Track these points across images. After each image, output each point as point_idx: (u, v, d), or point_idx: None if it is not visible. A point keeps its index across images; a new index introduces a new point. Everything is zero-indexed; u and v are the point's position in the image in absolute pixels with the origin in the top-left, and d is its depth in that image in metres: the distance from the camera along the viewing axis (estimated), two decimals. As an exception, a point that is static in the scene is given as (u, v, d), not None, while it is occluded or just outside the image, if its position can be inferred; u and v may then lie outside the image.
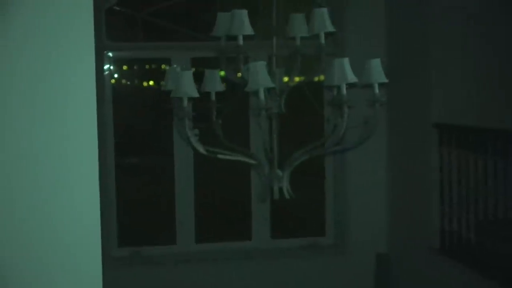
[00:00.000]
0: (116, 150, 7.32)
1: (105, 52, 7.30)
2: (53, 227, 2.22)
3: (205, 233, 7.66)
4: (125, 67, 7.59)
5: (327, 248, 7.80)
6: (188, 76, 3.89)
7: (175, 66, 6.74)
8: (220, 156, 4.10)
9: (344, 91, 3.81)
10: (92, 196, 2.23)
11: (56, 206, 2.20)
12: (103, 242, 2.29)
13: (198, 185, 7.57)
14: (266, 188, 4.09)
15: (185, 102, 3.87)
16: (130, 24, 7.40)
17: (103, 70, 7.29)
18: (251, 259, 7.63)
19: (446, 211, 6.44)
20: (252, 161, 4.24)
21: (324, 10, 4.01)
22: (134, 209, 7.59)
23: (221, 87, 3.98)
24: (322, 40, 4.03)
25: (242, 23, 3.99)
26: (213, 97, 3.93)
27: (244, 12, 3.99)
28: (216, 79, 3.97)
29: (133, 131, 7.65)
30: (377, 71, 3.94)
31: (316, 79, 6.47)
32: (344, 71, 3.82)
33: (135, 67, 7.66)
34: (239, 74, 4.26)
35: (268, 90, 3.87)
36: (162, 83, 4.36)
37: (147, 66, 7.71)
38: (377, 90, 3.92)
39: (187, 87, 3.86)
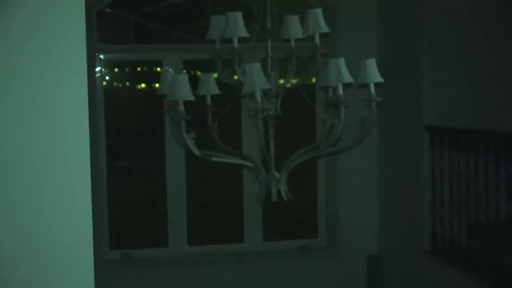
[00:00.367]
0: (108, 152, 7.30)
1: (97, 54, 7.27)
2: (44, 230, 2.20)
3: (197, 235, 7.66)
4: (116, 70, 7.58)
5: (319, 250, 7.79)
6: (183, 80, 3.88)
7: (169, 69, 6.75)
8: (214, 159, 4.09)
9: (341, 91, 3.79)
10: (84, 199, 2.22)
11: (47, 209, 2.18)
12: (94, 244, 2.24)
13: (190, 187, 7.56)
14: (263, 190, 4.06)
15: (181, 106, 3.85)
16: (121, 26, 7.38)
17: (94, 72, 7.24)
18: (243, 262, 7.61)
19: (437, 213, 6.45)
20: (249, 164, 4.23)
21: (319, 11, 4.02)
22: (126, 211, 7.61)
23: (216, 90, 3.96)
24: (317, 41, 4.03)
25: (236, 25, 3.98)
26: (209, 100, 3.91)
27: (239, 15, 3.99)
28: (211, 82, 3.96)
29: (125, 133, 7.64)
30: (372, 71, 3.95)
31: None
32: (340, 71, 3.81)
33: (126, 70, 7.64)
34: (235, 77, 4.24)
35: (264, 92, 3.85)
36: (157, 86, 4.35)
37: (138, 69, 7.68)
38: (373, 90, 3.90)
39: (183, 91, 3.86)
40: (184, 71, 6.87)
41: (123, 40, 7.41)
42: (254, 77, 3.73)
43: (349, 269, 7.64)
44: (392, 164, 7.35)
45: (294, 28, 4.23)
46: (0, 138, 2.14)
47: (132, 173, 7.78)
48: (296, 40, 4.29)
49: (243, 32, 3.99)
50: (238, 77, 4.08)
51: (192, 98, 3.85)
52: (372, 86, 3.91)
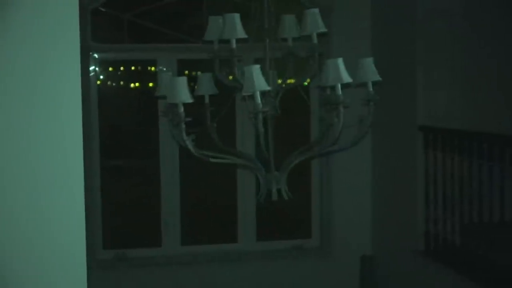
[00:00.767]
0: (102, 152, 7.29)
1: (91, 53, 7.26)
2: (38, 230, 2.20)
3: (191, 235, 7.66)
4: (111, 69, 7.56)
5: (313, 250, 7.82)
6: (182, 83, 3.88)
7: (165, 69, 6.75)
8: (213, 160, 4.09)
9: (340, 91, 3.78)
10: (77, 198, 2.22)
11: (41, 209, 2.19)
12: (88, 244, 2.25)
13: (184, 187, 7.57)
14: (264, 190, 4.06)
15: (181, 108, 3.85)
16: (116, 25, 7.37)
17: (88, 71, 7.25)
18: (237, 261, 7.63)
19: (431, 213, 6.45)
20: (248, 164, 4.22)
21: (316, 11, 4.02)
22: (120, 211, 7.59)
23: (215, 90, 3.96)
24: (315, 41, 4.04)
25: (234, 27, 3.99)
26: (207, 100, 3.91)
27: (237, 16, 3.99)
28: (209, 82, 3.96)
29: (119, 133, 7.61)
30: (370, 70, 4.01)
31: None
32: (339, 71, 3.82)
33: (121, 69, 7.62)
34: (230, 77, 4.24)
35: (263, 93, 3.84)
36: (151, 85, 4.36)
37: (133, 68, 7.66)
38: (371, 89, 3.92)
39: (182, 94, 3.86)
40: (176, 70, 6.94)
41: (118, 39, 7.41)
42: (254, 80, 3.72)
43: (342, 269, 7.65)
44: (386, 164, 7.36)
45: (291, 27, 4.24)
46: None
47: (126, 172, 7.75)
48: (293, 39, 4.31)
49: (241, 34, 3.99)
50: (234, 77, 4.08)
51: (191, 100, 3.85)
52: (370, 84, 3.91)
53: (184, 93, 3.83)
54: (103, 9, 7.23)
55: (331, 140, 4.01)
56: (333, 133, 3.92)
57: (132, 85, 7.67)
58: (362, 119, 4.00)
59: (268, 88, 3.80)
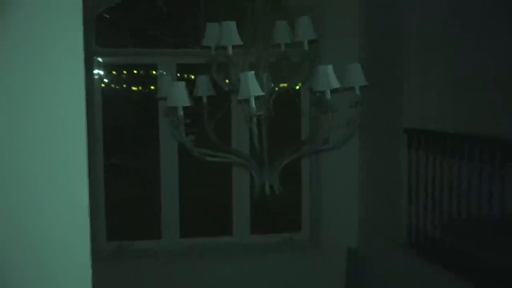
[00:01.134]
0: (105, 151, 7.28)
1: (95, 57, 7.23)
2: (43, 223, 2.19)
3: (189, 228, 7.65)
4: (114, 72, 7.54)
5: (302, 243, 7.84)
6: (181, 87, 3.94)
7: (164, 73, 6.76)
8: (209, 158, 4.11)
9: (329, 96, 3.81)
10: (82, 193, 2.20)
11: (46, 202, 2.17)
12: (92, 236, 2.25)
13: (182, 183, 7.56)
14: (258, 186, 4.09)
15: (180, 111, 3.88)
16: (119, 31, 7.37)
17: (92, 75, 7.21)
18: (232, 253, 7.64)
19: (413, 209, 6.45)
20: (244, 162, 4.24)
21: (308, 18, 4.05)
22: (123, 206, 7.56)
23: (212, 91, 3.98)
24: (306, 47, 4.10)
25: (231, 34, 4.02)
26: (205, 101, 3.93)
27: (233, 24, 4.03)
28: (207, 85, 3.99)
29: (121, 133, 7.60)
30: (358, 75, 4.04)
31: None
32: (328, 77, 3.86)
33: (124, 72, 7.62)
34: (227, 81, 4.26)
35: (256, 97, 3.86)
36: (153, 88, 4.37)
37: (135, 71, 7.66)
38: (358, 92, 3.93)
39: (181, 97, 3.93)
40: (178, 74, 6.95)
41: (120, 44, 7.39)
42: (248, 85, 3.74)
43: (329, 261, 7.66)
44: (372, 163, 7.36)
45: (284, 33, 4.27)
46: None
47: (128, 170, 7.75)
48: (286, 45, 4.33)
49: (238, 41, 4.04)
50: (232, 82, 4.09)
51: (189, 104, 3.89)
52: (357, 88, 3.93)
53: (183, 97, 3.87)
54: (107, 15, 7.22)
55: (320, 140, 4.02)
56: (322, 133, 3.95)
57: (134, 88, 7.67)
58: (350, 120, 4.01)
59: (261, 93, 3.83)
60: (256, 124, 4.02)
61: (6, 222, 2.20)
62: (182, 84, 3.95)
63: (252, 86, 3.76)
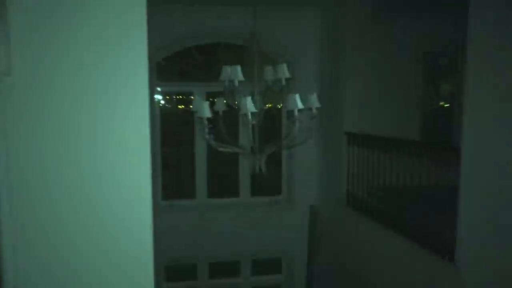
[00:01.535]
0: (162, 144, 7.31)
1: (156, 87, 7.27)
2: (120, 189, 2.16)
3: (212, 192, 7.65)
4: (167, 97, 7.58)
5: (282, 202, 7.83)
6: (206, 105, 3.97)
7: (197, 96, 6.78)
8: (220, 149, 4.14)
9: (296, 113, 3.85)
10: (146, 170, 2.17)
11: (125, 174, 2.15)
12: (153, 197, 2.22)
13: (208, 164, 7.57)
14: (251, 167, 4.12)
15: (205, 120, 3.91)
16: (170, 71, 7.41)
17: (154, 98, 7.26)
18: (238, 208, 7.65)
19: (350, 182, 6.48)
20: (243, 151, 4.28)
21: (285, 65, 4.08)
22: (172, 178, 7.58)
23: (225, 108, 4.01)
24: (284, 82, 4.10)
25: (237, 73, 4.04)
26: (220, 113, 3.96)
27: (238, 67, 4.08)
28: (222, 104, 4.02)
29: (172, 133, 7.62)
30: (314, 101, 4.03)
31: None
32: (296, 101, 3.87)
33: (173, 97, 7.66)
34: (235, 102, 4.27)
35: (253, 113, 3.90)
36: (191, 106, 4.39)
37: (180, 96, 7.70)
38: (314, 111, 3.96)
39: (206, 111, 3.93)
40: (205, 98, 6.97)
41: (171, 79, 7.42)
42: (247, 105, 3.77)
43: (299, 213, 7.68)
44: (325, 152, 7.37)
45: (270, 73, 4.29)
46: (86, 143, 2.16)
47: (176, 156, 7.75)
48: (271, 81, 4.35)
49: (241, 78, 4.10)
50: (236, 101, 4.11)
51: (210, 116, 3.92)
52: (314, 109, 3.96)
53: (206, 111, 3.90)
54: (163, 62, 7.26)
55: (292, 138, 4.06)
56: (293, 134, 3.99)
57: (180, 106, 7.69)
58: (309, 127, 4.04)
59: (255, 110, 3.86)
60: (251, 128, 4.07)
61: (84, 185, 2.20)
62: (206, 103, 4.00)
63: (249, 106, 3.80)
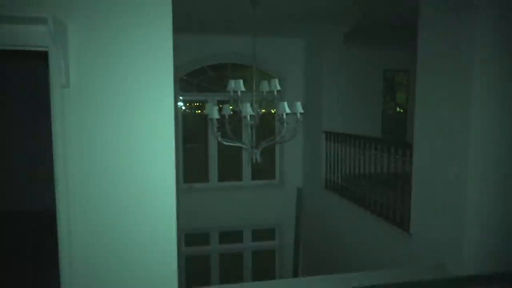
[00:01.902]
0: (183, 141, 7.27)
1: (180, 97, 7.27)
2: (149, 175, 2.17)
3: (221, 177, 7.60)
4: (187, 104, 7.54)
5: (275, 185, 7.77)
6: (215, 109, 3.96)
7: (210, 103, 6.75)
8: (225, 143, 4.13)
9: (285, 116, 3.84)
10: (170, 162, 2.20)
11: (151, 166, 2.17)
12: (176, 181, 2.24)
13: (219, 155, 7.51)
14: (250, 157, 4.11)
15: (214, 121, 3.90)
16: (190, 84, 7.37)
17: (178, 105, 7.23)
18: (242, 189, 7.61)
19: (328, 169, 6.46)
20: (244, 146, 4.26)
21: (277, 80, 4.06)
22: (191, 166, 7.49)
23: (230, 112, 4.00)
24: (275, 93, 4.08)
25: (240, 85, 4.02)
26: (226, 116, 3.96)
27: (241, 81, 4.05)
28: (228, 109, 4.00)
29: (191, 133, 7.58)
30: (298, 107, 4.00)
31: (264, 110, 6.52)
32: (284, 107, 3.87)
33: (192, 104, 7.61)
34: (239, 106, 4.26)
35: (251, 115, 3.88)
36: (205, 111, 4.38)
37: (197, 104, 7.65)
38: (299, 115, 3.95)
39: (215, 113, 3.90)
40: (217, 105, 6.93)
41: (191, 90, 7.39)
42: (246, 110, 3.77)
43: (288, 193, 7.64)
44: (308, 147, 7.35)
45: (265, 86, 4.27)
46: (126, 140, 2.15)
47: (193, 149, 7.69)
48: (266, 92, 4.34)
49: (243, 88, 4.04)
50: (239, 107, 4.10)
51: (218, 117, 3.90)
52: (298, 113, 3.95)
53: (215, 113, 3.89)
54: (185, 77, 7.23)
55: (282, 135, 4.05)
56: (283, 132, 3.98)
57: (197, 111, 7.65)
58: (295, 128, 4.03)
59: (253, 113, 3.86)
60: (250, 128, 4.07)
61: (115, 174, 2.16)
62: (215, 107, 3.99)
63: (248, 109, 3.80)
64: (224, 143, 4.08)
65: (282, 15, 5.65)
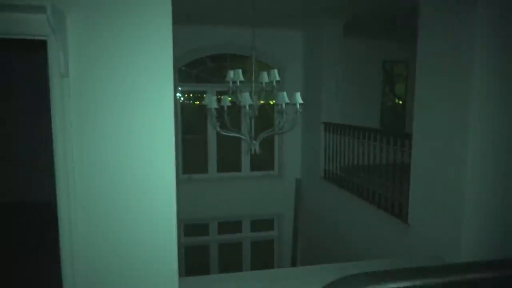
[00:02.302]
0: (182, 131, 7.25)
1: (178, 87, 7.24)
2: (150, 166, 2.17)
3: (220, 167, 7.61)
4: (186, 95, 7.51)
5: (274, 175, 7.79)
6: (214, 99, 3.93)
7: (209, 94, 6.73)
8: (224, 133, 4.11)
9: (284, 106, 3.82)
10: (170, 153, 2.20)
11: (155, 156, 2.17)
12: (176, 173, 2.24)
13: (218, 146, 7.51)
14: (249, 148, 4.10)
15: (213, 110, 3.88)
16: (189, 75, 7.35)
17: (177, 95, 7.22)
18: (241, 180, 7.62)
19: (326, 160, 6.47)
20: (243, 137, 4.25)
21: (276, 70, 4.03)
22: (189, 157, 7.51)
23: (228, 103, 3.98)
24: (274, 84, 4.04)
25: (239, 75, 3.99)
26: (225, 108, 3.94)
27: (240, 70, 4.02)
28: (226, 100, 3.98)
29: (190, 123, 7.56)
30: (298, 97, 3.95)
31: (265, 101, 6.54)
32: (284, 97, 3.84)
33: (191, 95, 7.58)
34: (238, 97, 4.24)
35: (250, 105, 3.86)
36: (204, 102, 4.35)
37: (197, 95, 7.62)
38: (298, 106, 3.93)
39: (213, 104, 3.89)
40: (215, 96, 6.93)
41: (189, 81, 7.37)
42: (245, 100, 3.75)
43: (287, 184, 7.67)
44: (307, 138, 7.36)
45: (264, 77, 4.23)
46: (127, 131, 2.14)
47: (193, 140, 7.66)
48: (265, 83, 4.32)
49: (242, 78, 4.02)
50: (238, 97, 4.08)
51: (217, 106, 3.89)
52: (297, 104, 3.93)
53: (214, 104, 3.87)
54: (183, 68, 7.21)
55: (281, 126, 4.04)
56: (282, 123, 3.96)
57: (196, 102, 7.64)
58: (294, 118, 4.02)
59: (252, 103, 3.84)
60: (249, 119, 4.05)
61: (118, 163, 2.16)
62: (214, 97, 3.96)
63: (247, 100, 3.78)
64: (223, 133, 4.06)
65: (281, 6, 5.62)
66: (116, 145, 2.12)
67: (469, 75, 3.05)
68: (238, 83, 4.02)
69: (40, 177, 6.95)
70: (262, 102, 4.15)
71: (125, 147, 2.13)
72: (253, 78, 4.34)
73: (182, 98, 7.39)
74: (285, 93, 3.88)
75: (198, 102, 7.61)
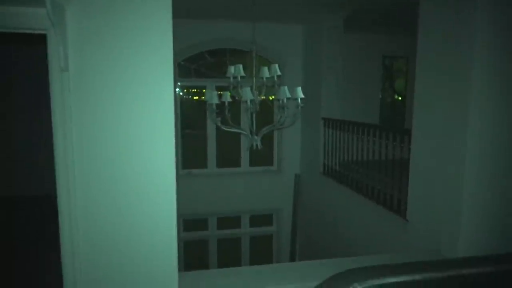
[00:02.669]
0: (182, 126, 7.23)
1: (178, 82, 7.22)
2: (150, 161, 2.17)
3: (220, 163, 7.60)
4: (185, 90, 7.49)
5: (274, 171, 7.79)
6: (214, 94, 3.91)
7: (209, 90, 6.72)
8: (225, 128, 4.11)
9: (285, 101, 3.82)
10: (170, 149, 2.20)
11: (155, 152, 2.16)
12: (176, 168, 2.24)
13: (217, 142, 7.50)
14: (250, 144, 4.10)
15: (214, 106, 3.87)
16: (188, 70, 7.33)
17: (176, 90, 7.19)
18: (240, 175, 7.62)
19: (325, 155, 6.47)
20: (244, 132, 4.24)
21: (277, 65, 4.02)
22: (189, 152, 7.51)
23: (229, 99, 3.97)
24: (275, 78, 4.04)
25: (240, 70, 3.99)
26: (226, 103, 3.93)
27: (240, 65, 4.01)
28: (227, 95, 3.98)
29: (189, 119, 7.54)
30: (299, 92, 3.96)
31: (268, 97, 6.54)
32: (285, 92, 3.83)
33: (190, 90, 7.57)
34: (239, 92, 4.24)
35: (251, 100, 3.85)
36: (203, 97, 4.34)
37: (195, 90, 7.60)
38: (299, 101, 3.93)
39: (214, 99, 3.87)
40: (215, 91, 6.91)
41: (189, 75, 7.35)
42: (246, 95, 3.75)
43: (286, 180, 7.66)
44: (307, 133, 7.35)
45: (265, 72, 4.22)
46: (126, 124, 2.14)
47: (192, 135, 7.65)
48: (266, 78, 4.31)
49: (242, 74, 4.01)
50: (239, 92, 4.07)
51: (217, 102, 3.88)
52: (298, 99, 3.93)
53: (215, 99, 3.86)
54: (183, 63, 7.19)
55: (282, 122, 4.03)
56: (282, 118, 3.96)
57: (195, 97, 7.62)
58: (294, 113, 4.02)
59: (253, 98, 3.83)
60: (250, 115, 4.05)
61: (116, 160, 2.15)
62: (215, 92, 3.95)
63: (248, 95, 3.77)
64: (224, 128, 4.06)
65: (281, 1, 5.59)
66: (116, 139, 2.12)
67: (469, 74, 3.04)
68: (239, 78, 4.01)
69: (40, 172, 6.94)
70: (262, 97, 4.13)
71: (125, 141, 2.13)
72: (253, 73, 4.34)
73: (181, 93, 7.38)
74: (286, 88, 3.87)
75: (197, 98, 7.59)
